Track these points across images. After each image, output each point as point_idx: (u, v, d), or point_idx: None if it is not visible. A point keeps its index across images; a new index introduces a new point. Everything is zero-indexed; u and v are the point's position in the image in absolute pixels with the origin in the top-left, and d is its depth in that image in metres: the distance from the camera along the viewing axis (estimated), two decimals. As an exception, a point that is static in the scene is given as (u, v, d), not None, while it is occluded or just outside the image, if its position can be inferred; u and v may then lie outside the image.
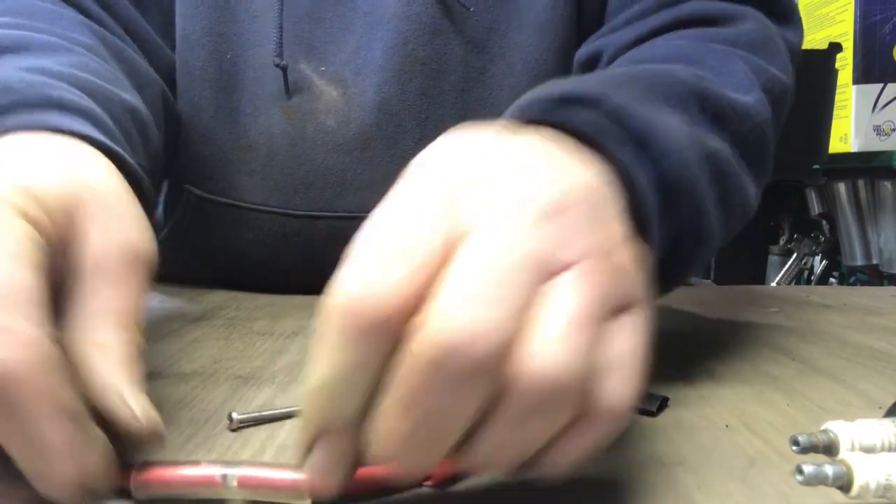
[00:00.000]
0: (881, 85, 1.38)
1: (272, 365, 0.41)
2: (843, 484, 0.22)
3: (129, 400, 0.25)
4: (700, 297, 0.66)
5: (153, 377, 0.39)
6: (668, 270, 0.32)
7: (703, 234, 0.35)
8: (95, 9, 0.54)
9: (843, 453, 0.24)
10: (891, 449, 0.24)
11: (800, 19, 0.57)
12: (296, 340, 0.47)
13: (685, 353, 0.44)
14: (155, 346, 0.46)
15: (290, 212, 0.62)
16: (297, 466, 0.25)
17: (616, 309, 0.22)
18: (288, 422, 0.32)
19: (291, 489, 0.24)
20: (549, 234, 0.21)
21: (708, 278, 1.70)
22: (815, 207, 1.64)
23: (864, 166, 1.50)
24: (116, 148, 0.33)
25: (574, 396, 0.21)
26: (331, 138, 0.61)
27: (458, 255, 0.20)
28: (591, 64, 0.57)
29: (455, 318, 0.19)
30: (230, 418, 0.31)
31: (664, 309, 0.58)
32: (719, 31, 0.50)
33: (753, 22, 0.51)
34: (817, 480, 0.22)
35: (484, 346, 0.19)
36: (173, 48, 0.63)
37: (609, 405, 0.21)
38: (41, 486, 0.23)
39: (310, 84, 0.61)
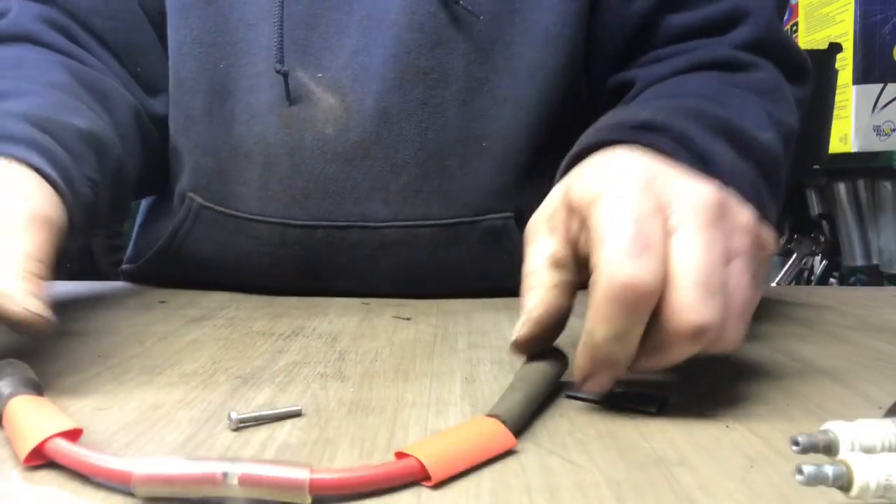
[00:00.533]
0: (881, 85, 1.38)
1: (272, 365, 0.41)
2: (843, 484, 0.22)
3: (22, 300, 0.35)
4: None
5: (153, 377, 0.39)
6: None
7: None
8: (76, 50, 0.63)
9: (843, 453, 0.24)
10: (891, 449, 0.24)
11: (810, 80, 0.62)
12: (296, 340, 0.47)
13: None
14: (155, 346, 0.46)
15: (289, 221, 0.62)
16: (299, 463, 0.25)
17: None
18: (288, 422, 0.32)
19: (292, 487, 0.24)
20: (723, 231, 0.33)
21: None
22: (815, 207, 1.64)
23: (864, 166, 1.50)
24: (41, 166, 0.44)
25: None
26: (329, 147, 0.60)
27: (675, 256, 0.31)
28: (623, 90, 0.62)
29: (692, 312, 0.31)
30: (230, 418, 0.31)
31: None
32: (739, 76, 0.57)
33: (767, 72, 0.58)
34: (817, 480, 0.22)
35: (707, 330, 0.31)
36: (142, 84, 0.67)
37: (725, 344, 0.32)
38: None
39: (307, 91, 0.60)
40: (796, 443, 0.24)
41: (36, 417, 0.29)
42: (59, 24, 0.63)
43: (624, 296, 0.30)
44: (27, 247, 0.38)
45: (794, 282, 1.64)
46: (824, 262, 1.67)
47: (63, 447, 0.27)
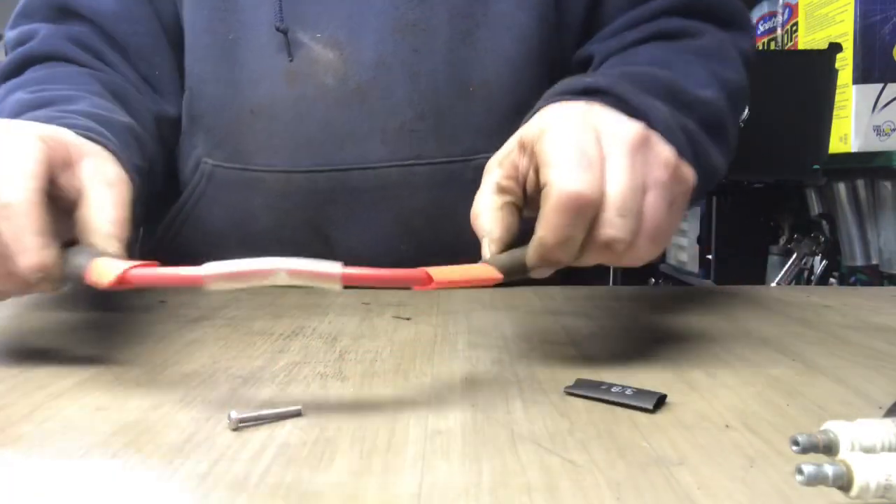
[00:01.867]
0: (881, 85, 1.38)
1: (272, 365, 0.41)
2: (843, 484, 0.22)
3: (112, 239, 0.40)
4: (700, 297, 0.66)
5: (153, 377, 0.39)
6: None
7: None
8: (100, 66, 0.68)
9: (843, 453, 0.24)
10: (891, 449, 0.24)
11: (750, 26, 0.71)
12: (296, 340, 0.47)
13: (685, 354, 0.44)
14: (155, 346, 0.46)
15: (294, 169, 0.66)
16: (332, 262, 0.33)
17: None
18: (288, 421, 0.32)
19: (329, 278, 0.33)
20: (644, 161, 0.40)
21: (708, 278, 1.69)
22: (815, 207, 1.64)
23: (864, 166, 1.50)
24: (107, 143, 0.48)
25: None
26: (331, 95, 0.65)
27: (606, 178, 0.39)
28: (586, 63, 0.69)
29: (609, 228, 0.38)
30: (230, 418, 0.31)
31: (664, 309, 0.58)
32: (685, 43, 0.65)
33: (710, 37, 0.65)
34: (817, 480, 0.22)
35: (619, 243, 0.39)
36: (155, 87, 0.72)
37: (633, 260, 0.40)
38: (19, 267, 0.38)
39: (307, 50, 0.66)
40: (796, 443, 0.24)
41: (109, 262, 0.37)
42: (85, 44, 0.68)
43: (571, 205, 0.37)
44: (111, 196, 0.42)
45: (794, 282, 1.64)
46: (824, 262, 1.67)
47: (143, 272, 0.36)
